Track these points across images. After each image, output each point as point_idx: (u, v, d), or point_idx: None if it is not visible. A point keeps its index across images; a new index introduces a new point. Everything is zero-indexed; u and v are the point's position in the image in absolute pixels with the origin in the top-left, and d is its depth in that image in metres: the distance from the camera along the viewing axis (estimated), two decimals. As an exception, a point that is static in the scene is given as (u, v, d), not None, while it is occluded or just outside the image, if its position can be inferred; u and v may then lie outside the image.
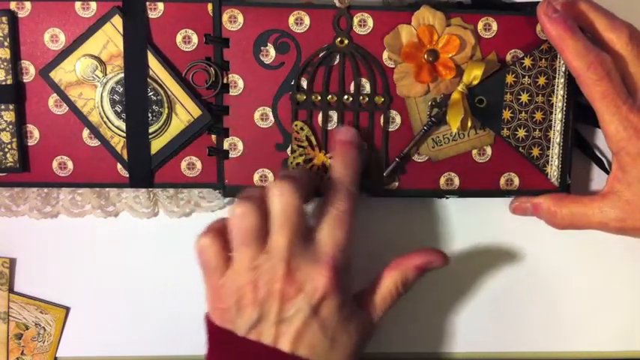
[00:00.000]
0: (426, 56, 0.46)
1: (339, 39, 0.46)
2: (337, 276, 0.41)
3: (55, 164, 0.47)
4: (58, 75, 0.46)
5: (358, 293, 0.44)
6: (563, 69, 0.47)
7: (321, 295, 0.40)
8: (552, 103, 0.47)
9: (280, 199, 0.41)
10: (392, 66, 0.46)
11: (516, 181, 0.48)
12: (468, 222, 0.51)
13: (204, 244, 0.42)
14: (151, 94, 0.46)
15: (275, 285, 0.40)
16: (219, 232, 0.42)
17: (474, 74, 0.45)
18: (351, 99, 0.46)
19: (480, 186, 0.48)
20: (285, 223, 0.41)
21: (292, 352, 0.40)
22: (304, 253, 0.41)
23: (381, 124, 0.47)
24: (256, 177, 0.47)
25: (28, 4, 0.45)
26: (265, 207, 0.41)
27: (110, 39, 0.46)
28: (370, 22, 0.46)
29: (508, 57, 0.47)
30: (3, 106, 0.46)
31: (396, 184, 0.47)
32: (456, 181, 0.48)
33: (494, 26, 0.46)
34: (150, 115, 0.46)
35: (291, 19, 0.46)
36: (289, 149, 0.47)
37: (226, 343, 0.42)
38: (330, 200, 0.42)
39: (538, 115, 0.47)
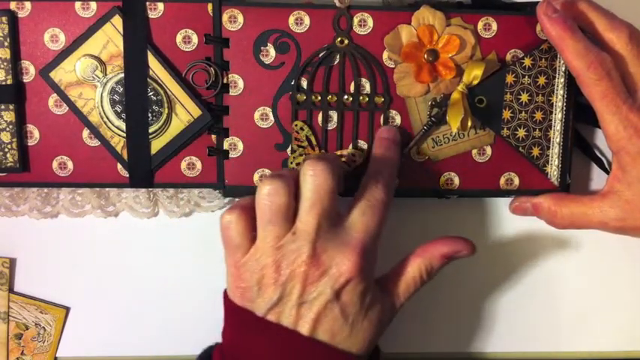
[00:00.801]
0: (426, 56, 0.46)
1: (339, 39, 0.46)
2: (363, 261, 0.40)
3: (55, 164, 0.47)
4: (58, 75, 0.46)
5: (381, 278, 0.44)
6: (563, 69, 0.47)
7: (346, 279, 0.40)
8: (552, 103, 0.47)
9: (314, 179, 0.40)
10: (392, 66, 0.46)
11: (516, 180, 0.48)
12: (468, 222, 0.51)
13: (229, 221, 0.41)
14: (151, 94, 0.46)
15: (299, 266, 0.40)
16: (245, 209, 0.41)
17: (474, 74, 0.45)
18: (351, 99, 0.46)
19: (480, 186, 0.48)
20: (316, 203, 0.40)
21: (311, 335, 0.40)
22: (332, 237, 0.40)
23: (381, 124, 0.47)
24: (256, 177, 0.47)
25: (28, 4, 0.45)
26: (295, 187, 0.41)
27: (110, 39, 0.46)
28: (370, 22, 0.46)
29: (508, 57, 0.47)
30: (3, 106, 0.46)
31: (396, 184, 0.47)
32: (456, 181, 0.48)
33: (494, 26, 0.47)
34: (150, 115, 0.46)
35: (291, 19, 0.46)
36: (289, 149, 0.47)
37: (244, 323, 0.41)
38: (366, 189, 0.42)
39: (538, 115, 0.47)
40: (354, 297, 0.40)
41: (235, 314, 0.42)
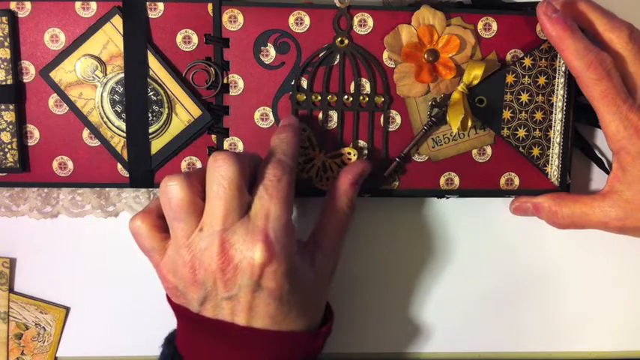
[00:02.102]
0: (426, 56, 0.46)
1: (339, 39, 0.46)
2: (272, 246, 0.39)
3: (55, 164, 0.47)
4: (58, 75, 0.46)
5: (309, 240, 0.44)
6: (563, 69, 0.47)
7: (260, 269, 0.39)
8: (552, 103, 0.47)
9: (216, 169, 0.39)
10: (392, 66, 0.46)
11: (516, 180, 0.48)
12: (468, 222, 0.51)
13: (134, 227, 0.41)
14: (151, 94, 0.46)
15: (211, 264, 0.39)
16: (150, 211, 0.41)
17: (474, 74, 0.45)
18: (351, 99, 0.46)
19: (480, 186, 0.48)
20: (221, 194, 0.39)
21: (249, 324, 0.40)
22: (239, 228, 0.39)
23: (381, 124, 0.47)
24: (256, 177, 0.47)
25: (28, 4, 0.45)
26: (202, 183, 0.40)
27: (110, 39, 0.46)
28: (370, 22, 0.46)
29: (508, 57, 0.47)
30: (3, 106, 0.46)
31: (396, 184, 0.47)
32: (456, 181, 0.48)
33: (494, 26, 0.47)
34: (150, 115, 0.46)
35: (291, 19, 0.46)
36: (289, 149, 0.47)
37: (185, 320, 0.42)
38: (261, 172, 0.41)
39: (538, 115, 0.47)
40: (279, 280, 0.39)
41: (177, 312, 0.42)
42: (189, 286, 0.40)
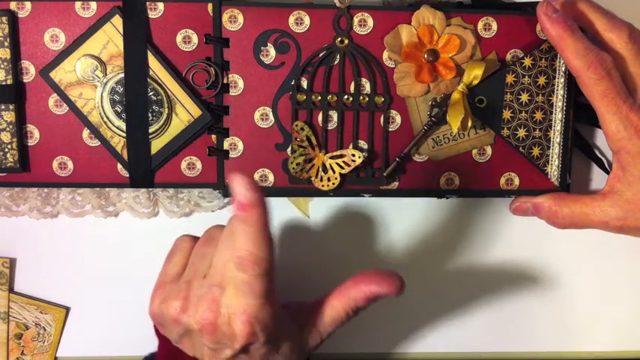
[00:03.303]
0: (426, 56, 0.46)
1: (339, 39, 0.46)
2: (254, 327, 0.38)
3: (55, 164, 0.47)
4: (58, 75, 0.46)
5: (305, 309, 0.42)
6: (563, 69, 0.47)
7: (244, 342, 0.38)
8: (552, 103, 0.47)
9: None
10: (392, 66, 0.46)
11: (516, 180, 0.48)
12: (468, 222, 0.51)
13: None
14: (151, 94, 0.46)
15: (203, 316, 0.38)
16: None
17: (474, 74, 0.45)
18: (351, 99, 0.46)
19: (480, 186, 0.48)
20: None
21: None
22: (224, 297, 0.38)
23: (381, 124, 0.47)
24: (256, 177, 0.47)
25: (28, 4, 0.45)
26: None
27: (110, 39, 0.46)
28: (370, 22, 0.46)
29: (508, 57, 0.47)
30: (3, 106, 0.46)
31: (396, 184, 0.47)
32: (456, 181, 0.48)
33: (494, 26, 0.47)
34: (150, 115, 0.46)
35: (291, 19, 0.46)
36: (289, 149, 0.47)
37: (167, 346, 0.43)
38: (235, 261, 0.37)
39: (538, 115, 0.47)
40: (259, 348, 0.39)
41: (159, 337, 0.44)
42: (170, 321, 0.40)
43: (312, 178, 0.47)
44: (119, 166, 0.47)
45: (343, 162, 0.46)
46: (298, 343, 0.42)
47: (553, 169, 0.48)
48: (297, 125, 0.46)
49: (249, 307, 0.37)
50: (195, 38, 0.46)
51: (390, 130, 0.47)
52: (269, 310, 0.38)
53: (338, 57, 0.46)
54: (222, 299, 0.38)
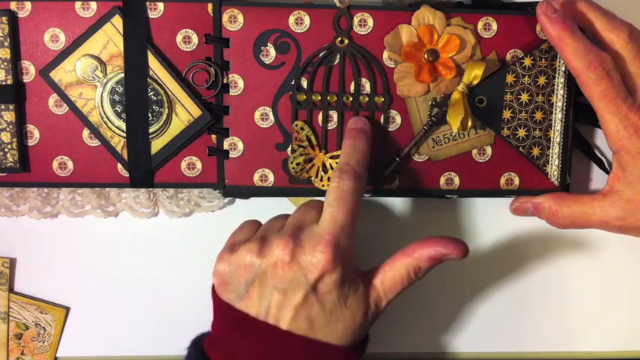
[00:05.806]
0: (426, 56, 0.46)
1: (339, 39, 0.46)
2: (335, 253, 0.40)
3: (55, 164, 0.47)
4: (58, 75, 0.46)
5: (368, 272, 0.43)
6: (563, 69, 0.47)
7: (320, 272, 0.40)
8: (552, 103, 0.47)
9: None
10: (392, 66, 0.46)
11: (516, 180, 0.48)
12: (468, 222, 0.51)
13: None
14: (151, 94, 0.46)
15: (275, 253, 0.41)
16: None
17: (475, 74, 0.45)
18: (351, 99, 0.46)
19: (480, 186, 0.48)
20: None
21: (290, 324, 0.41)
22: (309, 231, 0.41)
23: (381, 124, 0.47)
24: (256, 177, 0.47)
25: (28, 4, 0.45)
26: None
27: (110, 39, 0.46)
28: (370, 22, 0.46)
29: (508, 57, 0.47)
30: (3, 106, 0.46)
31: (396, 184, 0.47)
32: (456, 181, 0.48)
33: (494, 26, 0.47)
34: (150, 115, 0.46)
35: (291, 19, 0.46)
36: (289, 149, 0.47)
37: (226, 316, 0.43)
38: (334, 181, 0.42)
39: (538, 115, 0.47)
40: (331, 287, 0.41)
41: (219, 308, 0.43)
42: (240, 269, 0.41)
43: (312, 178, 0.47)
44: (119, 166, 0.47)
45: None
46: (363, 305, 0.42)
47: (553, 169, 0.48)
48: (297, 125, 0.46)
49: (334, 228, 0.41)
50: (195, 38, 0.46)
51: (389, 130, 0.47)
52: (349, 241, 0.41)
53: (338, 57, 0.46)
54: (302, 236, 0.41)
